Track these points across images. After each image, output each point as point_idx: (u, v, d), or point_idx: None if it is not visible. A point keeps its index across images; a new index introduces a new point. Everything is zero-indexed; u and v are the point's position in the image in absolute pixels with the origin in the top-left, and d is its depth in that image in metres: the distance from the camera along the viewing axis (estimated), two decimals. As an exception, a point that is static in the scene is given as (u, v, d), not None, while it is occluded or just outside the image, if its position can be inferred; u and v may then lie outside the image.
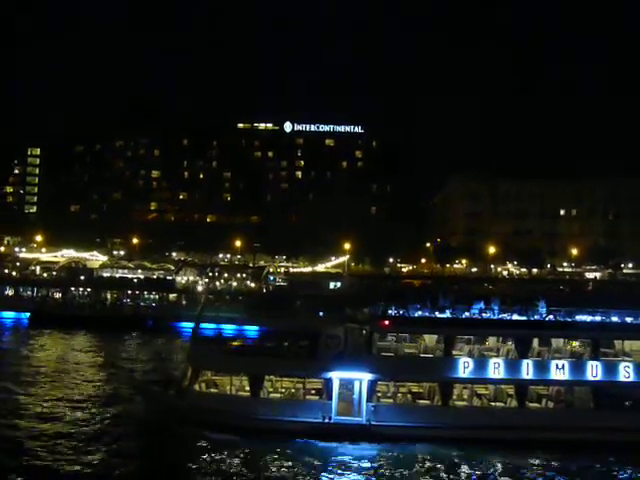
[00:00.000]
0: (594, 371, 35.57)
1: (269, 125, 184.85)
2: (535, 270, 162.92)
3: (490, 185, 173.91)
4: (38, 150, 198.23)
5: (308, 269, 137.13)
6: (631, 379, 35.50)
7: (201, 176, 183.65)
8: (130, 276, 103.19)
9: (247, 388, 36.46)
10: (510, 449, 32.90)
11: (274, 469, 30.65)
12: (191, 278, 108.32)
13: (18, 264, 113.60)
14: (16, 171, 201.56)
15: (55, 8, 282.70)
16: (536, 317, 38.27)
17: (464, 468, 31.11)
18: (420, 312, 38.33)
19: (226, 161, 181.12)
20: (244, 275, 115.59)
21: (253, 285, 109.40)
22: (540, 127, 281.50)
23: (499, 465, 31.41)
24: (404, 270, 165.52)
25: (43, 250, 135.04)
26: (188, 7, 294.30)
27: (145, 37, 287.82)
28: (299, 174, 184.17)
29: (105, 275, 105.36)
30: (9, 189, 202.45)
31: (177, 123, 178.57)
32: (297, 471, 30.41)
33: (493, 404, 36.39)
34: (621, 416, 34.90)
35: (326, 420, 34.84)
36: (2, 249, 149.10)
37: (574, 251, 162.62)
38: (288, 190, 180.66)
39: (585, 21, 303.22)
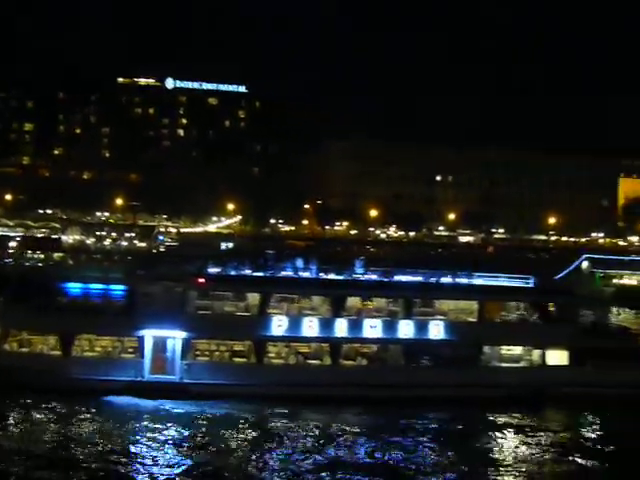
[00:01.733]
0: (406, 330, 36.54)
1: (150, 81, 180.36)
2: (413, 233, 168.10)
3: (370, 149, 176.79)
4: None
5: (199, 229, 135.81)
6: (441, 337, 36.73)
7: (78, 131, 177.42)
8: (12, 234, 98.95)
9: (57, 347, 35.59)
10: (324, 406, 33.62)
11: (82, 427, 30.40)
12: (77, 237, 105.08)
13: None
14: None
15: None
16: (353, 277, 39.03)
17: (273, 425, 31.65)
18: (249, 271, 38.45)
19: (105, 116, 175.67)
20: (132, 235, 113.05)
21: (144, 245, 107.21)
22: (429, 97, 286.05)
23: (310, 421, 31.97)
24: (285, 231, 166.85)
25: None
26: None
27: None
28: (181, 132, 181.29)
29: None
30: None
31: (55, 75, 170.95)
32: (105, 428, 30.08)
33: (309, 362, 36.88)
34: (430, 372, 36.21)
35: (138, 378, 34.54)
36: None
37: (451, 216, 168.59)
38: (170, 148, 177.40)
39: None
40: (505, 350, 37.71)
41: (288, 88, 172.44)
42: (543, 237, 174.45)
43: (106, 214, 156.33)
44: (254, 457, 27.41)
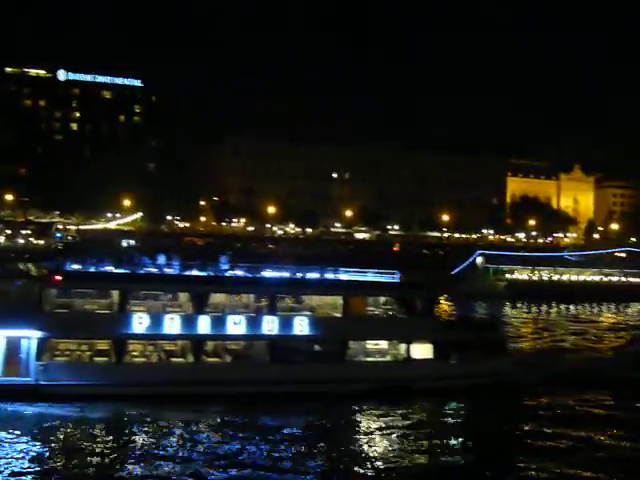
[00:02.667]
0: (270, 326, 36.39)
1: (41, 72, 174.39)
2: (309, 230, 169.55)
3: (266, 146, 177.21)
4: None
5: (100, 226, 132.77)
6: (306, 332, 36.81)
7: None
8: None
9: None
10: (189, 404, 33.01)
11: None
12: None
13: None
14: None
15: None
16: (217, 273, 38.66)
17: (132, 425, 30.72)
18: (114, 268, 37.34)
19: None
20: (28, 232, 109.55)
21: (42, 242, 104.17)
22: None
23: (171, 421, 31.34)
24: (181, 227, 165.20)
25: None
26: None
27: None
28: (74, 126, 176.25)
29: None
30: None
31: None
32: None
33: (172, 360, 36.20)
34: (296, 368, 36.16)
35: None
36: None
37: (348, 213, 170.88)
38: (62, 142, 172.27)
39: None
40: (371, 345, 38.09)
41: (185, 83, 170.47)
42: (437, 234, 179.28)
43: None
44: (109, 459, 26.59)
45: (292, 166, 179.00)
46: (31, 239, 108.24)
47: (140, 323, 34.81)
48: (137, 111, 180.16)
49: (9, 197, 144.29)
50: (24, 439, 28.28)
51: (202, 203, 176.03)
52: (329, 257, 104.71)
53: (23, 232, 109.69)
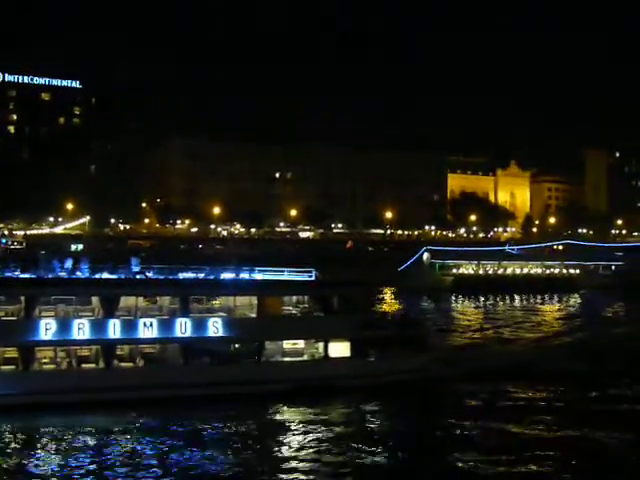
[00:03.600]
0: (183, 328, 35.69)
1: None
2: (254, 230, 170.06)
3: (207, 146, 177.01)
4: None
5: (46, 231, 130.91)
6: (220, 334, 36.21)
7: None
8: None
9: None
10: (101, 410, 32.00)
11: None
12: None
13: None
14: None
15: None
16: (129, 275, 37.90)
17: (41, 435, 29.74)
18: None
19: None
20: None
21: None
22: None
23: (82, 428, 30.37)
24: (124, 230, 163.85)
25: None
26: None
27: None
28: (11, 129, 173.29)
29: None
30: None
31: None
32: None
33: (82, 366, 35.23)
34: (210, 370, 35.62)
35: None
36: None
37: (293, 212, 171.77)
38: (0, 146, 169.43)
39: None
40: (288, 344, 37.56)
41: (125, 84, 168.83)
42: (380, 231, 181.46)
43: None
44: (18, 472, 25.92)
45: (234, 167, 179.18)
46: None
47: (48, 329, 33.68)
48: (77, 113, 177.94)
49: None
50: None
51: (144, 205, 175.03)
52: (276, 256, 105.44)
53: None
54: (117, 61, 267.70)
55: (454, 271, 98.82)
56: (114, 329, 34.56)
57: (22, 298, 34.52)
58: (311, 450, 28.03)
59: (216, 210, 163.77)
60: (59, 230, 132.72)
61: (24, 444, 28.70)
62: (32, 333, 33.46)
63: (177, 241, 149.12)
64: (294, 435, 30.12)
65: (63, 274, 36.60)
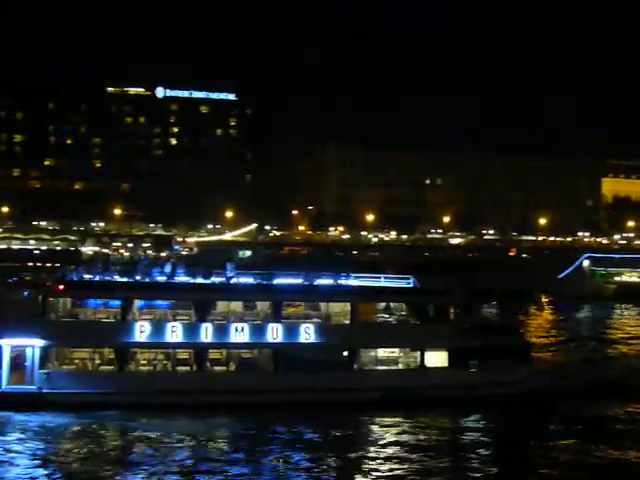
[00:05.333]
0: (275, 333, 35.64)
1: (140, 90, 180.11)
2: (405, 236, 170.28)
3: (361, 154, 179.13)
4: None
5: (215, 238, 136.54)
6: (312, 340, 35.79)
7: (69, 141, 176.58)
8: (29, 247, 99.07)
9: None
10: (191, 413, 32.80)
11: None
12: (94, 248, 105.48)
13: None
14: None
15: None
16: (222, 280, 38.13)
17: (136, 434, 30.69)
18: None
19: (95, 126, 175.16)
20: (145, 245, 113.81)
21: (164, 254, 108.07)
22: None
23: (176, 431, 31.07)
24: (277, 237, 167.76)
25: None
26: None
27: None
28: (173, 141, 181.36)
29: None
30: None
31: (43, 86, 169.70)
32: None
33: (175, 368, 35.60)
34: (301, 377, 34.80)
35: None
36: None
37: (446, 219, 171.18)
38: (162, 157, 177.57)
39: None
40: (382, 352, 36.80)
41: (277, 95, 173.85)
42: (532, 237, 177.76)
43: (101, 224, 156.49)
44: (113, 469, 26.66)
45: (386, 173, 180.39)
46: (149, 252, 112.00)
47: (143, 331, 34.67)
48: (232, 124, 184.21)
49: (117, 211, 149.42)
50: (28, 447, 28.66)
51: (295, 212, 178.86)
52: (434, 264, 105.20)
53: (143, 245, 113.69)
54: (267, 73, 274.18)
55: (616, 279, 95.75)
56: (206, 333, 35.14)
57: (119, 301, 35.66)
58: (402, 463, 27.38)
59: (369, 217, 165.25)
60: (227, 237, 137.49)
61: (117, 442, 29.86)
62: (128, 335, 34.68)
63: (332, 248, 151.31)
64: (385, 447, 29.43)
65: (161, 278, 37.58)
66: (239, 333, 35.30)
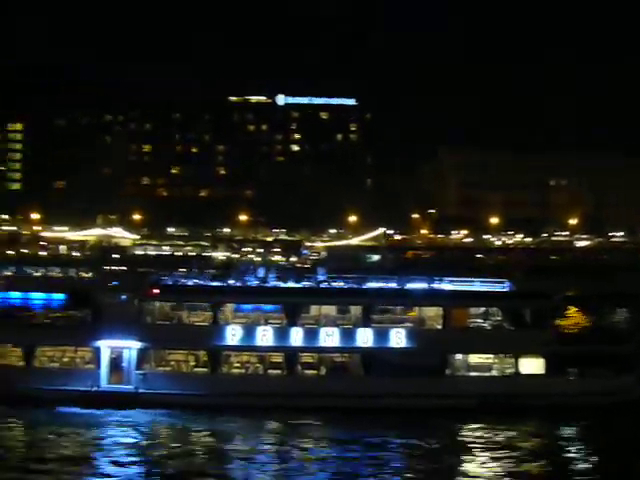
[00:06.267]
0: (365, 338, 35.41)
1: (261, 98, 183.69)
2: (530, 239, 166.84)
3: (482, 156, 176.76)
4: (19, 125, 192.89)
5: (342, 243, 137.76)
6: (403, 345, 35.28)
7: (194, 150, 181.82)
8: (166, 253, 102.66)
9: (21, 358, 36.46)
10: (281, 416, 32.90)
11: (37, 438, 31.08)
12: (225, 254, 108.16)
13: (45, 243, 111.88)
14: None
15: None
16: (312, 284, 38.34)
17: (230, 435, 31.24)
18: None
19: (219, 135, 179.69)
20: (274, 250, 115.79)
21: (294, 259, 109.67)
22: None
23: (266, 433, 31.49)
24: (397, 240, 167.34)
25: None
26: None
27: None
28: (294, 147, 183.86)
29: (138, 253, 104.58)
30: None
31: (167, 97, 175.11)
32: (62, 436, 30.96)
33: (265, 371, 36.07)
34: (392, 382, 34.40)
35: (94, 388, 35.13)
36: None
37: (572, 221, 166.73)
38: (283, 163, 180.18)
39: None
40: (475, 358, 36.06)
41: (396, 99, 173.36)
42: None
43: (226, 230, 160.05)
44: (205, 467, 27.35)
45: (509, 176, 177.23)
46: (277, 257, 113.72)
47: (234, 335, 35.53)
48: (353, 129, 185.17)
49: (243, 217, 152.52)
50: (129, 442, 30.28)
51: (415, 216, 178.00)
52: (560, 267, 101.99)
53: (273, 250, 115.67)
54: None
55: None
56: (296, 337, 35.50)
57: (210, 305, 36.77)
58: (492, 472, 26.69)
59: (494, 220, 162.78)
60: (354, 242, 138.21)
61: (209, 442, 30.47)
62: (219, 338, 35.62)
63: (456, 251, 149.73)
64: (478, 455, 28.72)
65: (253, 282, 38.26)
66: (329, 337, 35.69)
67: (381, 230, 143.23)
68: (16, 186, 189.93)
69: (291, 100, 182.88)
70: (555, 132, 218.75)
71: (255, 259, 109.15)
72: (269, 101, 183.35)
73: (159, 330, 36.71)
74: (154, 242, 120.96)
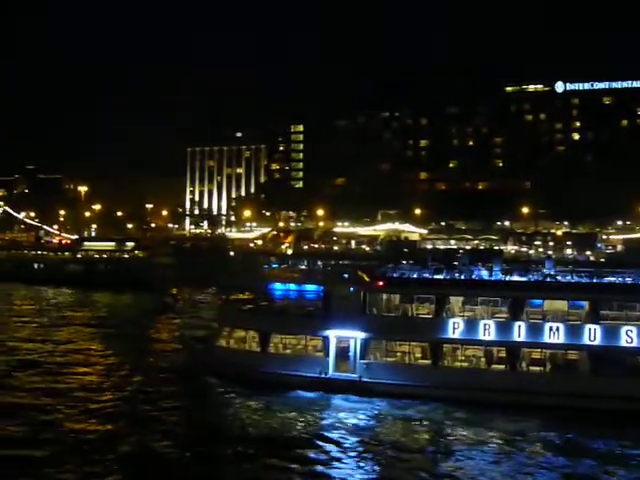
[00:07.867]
0: (592, 335, 33.49)
1: (539, 86, 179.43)
2: None
3: None
4: (301, 127, 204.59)
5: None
6: (634, 344, 32.86)
7: (470, 143, 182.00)
8: (455, 247, 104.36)
9: (257, 344, 39.17)
10: (502, 412, 32.08)
11: (279, 419, 33.22)
12: (515, 247, 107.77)
13: (335, 238, 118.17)
14: (281, 148, 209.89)
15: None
16: (538, 277, 37.09)
17: (452, 429, 30.96)
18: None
19: (495, 126, 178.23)
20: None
21: (588, 253, 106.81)
22: None
23: (490, 429, 30.61)
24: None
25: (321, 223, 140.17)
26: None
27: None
28: (575, 135, 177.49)
29: (427, 247, 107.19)
30: (275, 166, 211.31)
31: (440, 92, 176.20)
32: (298, 421, 32.96)
33: (486, 366, 35.39)
34: (621, 383, 32.41)
35: (322, 375, 36.95)
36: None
37: None
38: (564, 153, 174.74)
39: None
40: None
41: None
42: None
43: (507, 223, 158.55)
44: (423, 457, 27.55)
45: None
46: (569, 251, 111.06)
47: (456, 328, 35.54)
48: (639, 113, 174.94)
49: (525, 210, 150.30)
50: (354, 427, 31.73)
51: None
52: None
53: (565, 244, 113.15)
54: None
55: None
56: (519, 332, 34.70)
57: (433, 298, 37.22)
58: None
59: None
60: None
61: (428, 432, 31.06)
62: (441, 331, 35.88)
63: None
64: None
65: (483, 275, 38.23)
66: (553, 333, 34.88)
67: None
68: (298, 184, 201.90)
69: (571, 87, 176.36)
70: None
71: (548, 253, 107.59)
72: (547, 89, 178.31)
73: (383, 321, 38.47)
74: (443, 236, 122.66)
